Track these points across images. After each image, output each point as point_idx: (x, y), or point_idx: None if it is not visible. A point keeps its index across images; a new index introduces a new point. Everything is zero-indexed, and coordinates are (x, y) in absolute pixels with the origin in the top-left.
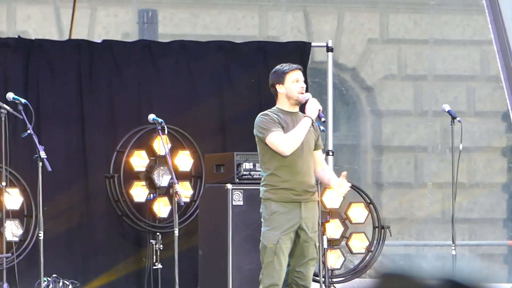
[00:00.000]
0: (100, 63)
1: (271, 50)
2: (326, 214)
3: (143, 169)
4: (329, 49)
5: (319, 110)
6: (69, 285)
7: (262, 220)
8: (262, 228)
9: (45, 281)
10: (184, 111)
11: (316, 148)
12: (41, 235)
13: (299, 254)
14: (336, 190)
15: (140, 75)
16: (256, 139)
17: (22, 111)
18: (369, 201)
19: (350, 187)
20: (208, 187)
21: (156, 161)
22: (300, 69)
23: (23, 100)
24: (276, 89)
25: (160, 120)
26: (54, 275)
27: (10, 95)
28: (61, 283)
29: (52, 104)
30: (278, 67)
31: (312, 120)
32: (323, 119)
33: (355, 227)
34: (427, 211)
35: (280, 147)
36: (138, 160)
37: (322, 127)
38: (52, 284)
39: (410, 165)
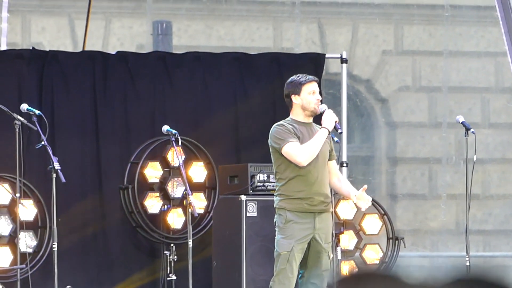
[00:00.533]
0: (115, 74)
1: (286, 61)
2: (340, 225)
3: (157, 180)
4: (343, 61)
5: (336, 121)
6: None
7: (276, 229)
8: (276, 237)
9: None
10: (198, 123)
11: (330, 158)
12: (55, 246)
13: (313, 265)
14: (356, 203)
15: (154, 87)
16: (271, 150)
17: (36, 122)
18: (383, 212)
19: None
20: (222, 198)
21: (170, 172)
22: (316, 81)
23: (37, 112)
24: (291, 99)
25: (174, 131)
26: (68, 286)
27: (24, 107)
28: None
29: (66, 115)
30: (294, 77)
31: (329, 131)
32: (339, 131)
33: (369, 238)
34: (441, 222)
35: (297, 158)
36: (152, 172)
37: (336, 139)
38: None
39: (424, 176)
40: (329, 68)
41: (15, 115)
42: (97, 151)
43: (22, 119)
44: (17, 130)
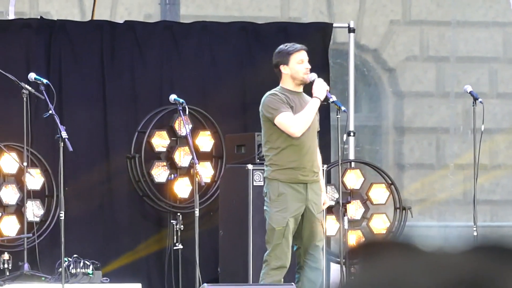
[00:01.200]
0: (122, 44)
1: (293, 31)
2: (347, 195)
3: (164, 149)
4: (351, 30)
5: (327, 90)
6: (90, 265)
7: (267, 199)
8: (267, 208)
9: (66, 261)
10: (205, 92)
11: None
12: (62, 215)
13: (308, 236)
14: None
15: (161, 56)
16: (262, 119)
17: (44, 91)
18: (390, 182)
19: (372, 167)
20: (228, 167)
21: (177, 141)
22: (304, 50)
23: (45, 81)
24: (280, 69)
25: (181, 100)
26: (75, 255)
27: (32, 76)
28: (82, 263)
29: (74, 84)
30: (282, 47)
31: (321, 101)
32: (331, 100)
33: (376, 208)
34: (448, 193)
35: (291, 129)
36: (159, 141)
37: (343, 108)
38: (73, 264)
39: (432, 146)
40: (336, 38)
41: (23, 84)
42: (104, 120)
43: (29, 88)
44: (24, 99)
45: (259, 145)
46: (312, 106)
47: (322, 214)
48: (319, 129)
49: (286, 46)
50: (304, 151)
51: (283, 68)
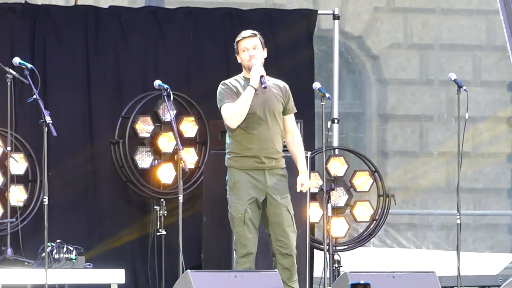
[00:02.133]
0: (107, 29)
1: (278, 17)
2: (331, 182)
3: (148, 135)
4: (335, 17)
5: (262, 76)
6: (73, 251)
7: (227, 187)
8: (228, 196)
9: (49, 246)
10: (190, 78)
11: (285, 112)
12: (46, 200)
13: (274, 222)
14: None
15: (146, 41)
16: None
17: (28, 76)
18: (374, 170)
19: (356, 154)
20: (212, 153)
21: (161, 127)
22: (250, 36)
23: (29, 65)
24: (237, 58)
25: (165, 86)
26: (58, 241)
27: (16, 60)
28: (65, 248)
29: (59, 69)
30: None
31: (254, 89)
32: (264, 85)
33: (359, 195)
34: (432, 180)
35: (227, 121)
36: (143, 126)
37: (328, 95)
38: (56, 249)
39: (415, 134)
40: (321, 25)
41: (7, 68)
42: (89, 105)
43: (14, 72)
44: (8, 83)
45: None
46: (244, 96)
47: (288, 199)
48: (294, 111)
49: (239, 35)
50: (259, 138)
51: (238, 57)
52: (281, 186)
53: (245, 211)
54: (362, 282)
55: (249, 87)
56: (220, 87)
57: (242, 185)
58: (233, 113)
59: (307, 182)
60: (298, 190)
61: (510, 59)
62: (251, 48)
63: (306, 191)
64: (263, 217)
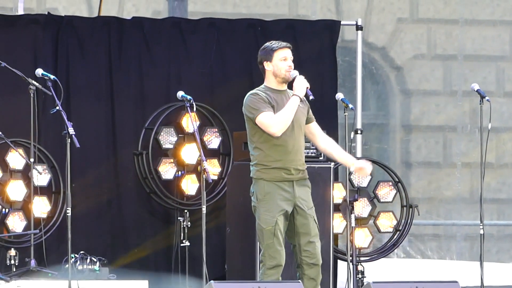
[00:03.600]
0: (130, 40)
1: (301, 28)
2: (354, 193)
3: (172, 146)
4: (358, 28)
5: (307, 87)
6: (96, 262)
7: (254, 199)
8: (255, 208)
9: (72, 257)
10: (213, 89)
11: (308, 121)
12: (69, 211)
13: (302, 233)
14: (355, 172)
15: (169, 53)
16: (245, 118)
17: (51, 87)
18: (397, 180)
19: (379, 165)
20: (236, 164)
21: (185, 138)
22: (289, 47)
23: (52, 77)
24: (264, 66)
25: (189, 97)
26: (81, 252)
27: (39, 71)
28: (88, 260)
29: (82, 80)
30: (267, 44)
31: (301, 98)
32: (311, 97)
33: (383, 206)
34: (455, 191)
35: (271, 129)
36: (167, 137)
37: (351, 106)
38: (80, 261)
39: (439, 144)
40: (344, 36)
41: (30, 80)
42: (112, 117)
43: (37, 84)
44: (32, 95)
45: None
46: (291, 104)
47: (314, 209)
48: (314, 119)
49: (271, 43)
50: (288, 150)
51: (266, 65)
52: (307, 196)
53: (275, 223)
54: None
55: (295, 97)
56: (251, 97)
57: (272, 197)
58: (279, 121)
59: (365, 164)
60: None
61: None
62: (289, 58)
63: (330, 202)
64: (288, 228)
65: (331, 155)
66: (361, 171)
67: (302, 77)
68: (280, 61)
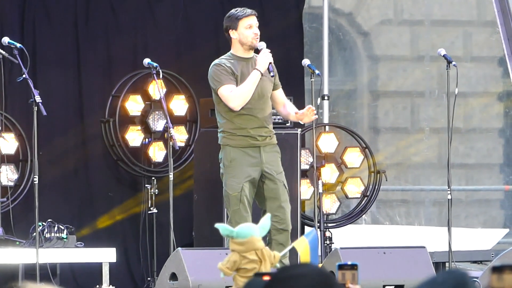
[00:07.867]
0: (97, 7)
1: None
2: (321, 159)
3: (139, 113)
4: None
5: (270, 63)
6: (64, 230)
7: (221, 166)
8: (223, 175)
9: (40, 225)
10: (179, 56)
11: (275, 88)
12: (36, 179)
13: (271, 197)
14: (297, 119)
15: (135, 20)
16: (211, 87)
17: (17, 55)
18: (365, 146)
19: (347, 131)
20: (203, 131)
21: (151, 105)
22: (254, 15)
23: (18, 45)
24: (229, 34)
25: (155, 64)
26: (49, 220)
27: (5, 40)
28: (56, 228)
29: (48, 48)
30: (232, 11)
31: (261, 73)
32: (271, 74)
33: (350, 172)
34: (423, 156)
35: (230, 103)
36: (133, 105)
37: (317, 71)
38: (47, 229)
39: (407, 110)
40: (311, 2)
41: None
42: (79, 84)
43: (3, 52)
44: None
45: None
46: (251, 79)
47: (283, 174)
48: (280, 86)
49: (236, 10)
50: (253, 119)
51: (232, 33)
52: (276, 162)
53: (241, 189)
54: (349, 263)
55: (256, 72)
56: (215, 68)
57: (238, 163)
58: (238, 96)
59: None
60: (306, 121)
61: (500, 34)
62: (255, 26)
63: (297, 168)
64: (257, 194)
65: (286, 115)
66: (301, 116)
67: (267, 50)
68: (246, 29)
